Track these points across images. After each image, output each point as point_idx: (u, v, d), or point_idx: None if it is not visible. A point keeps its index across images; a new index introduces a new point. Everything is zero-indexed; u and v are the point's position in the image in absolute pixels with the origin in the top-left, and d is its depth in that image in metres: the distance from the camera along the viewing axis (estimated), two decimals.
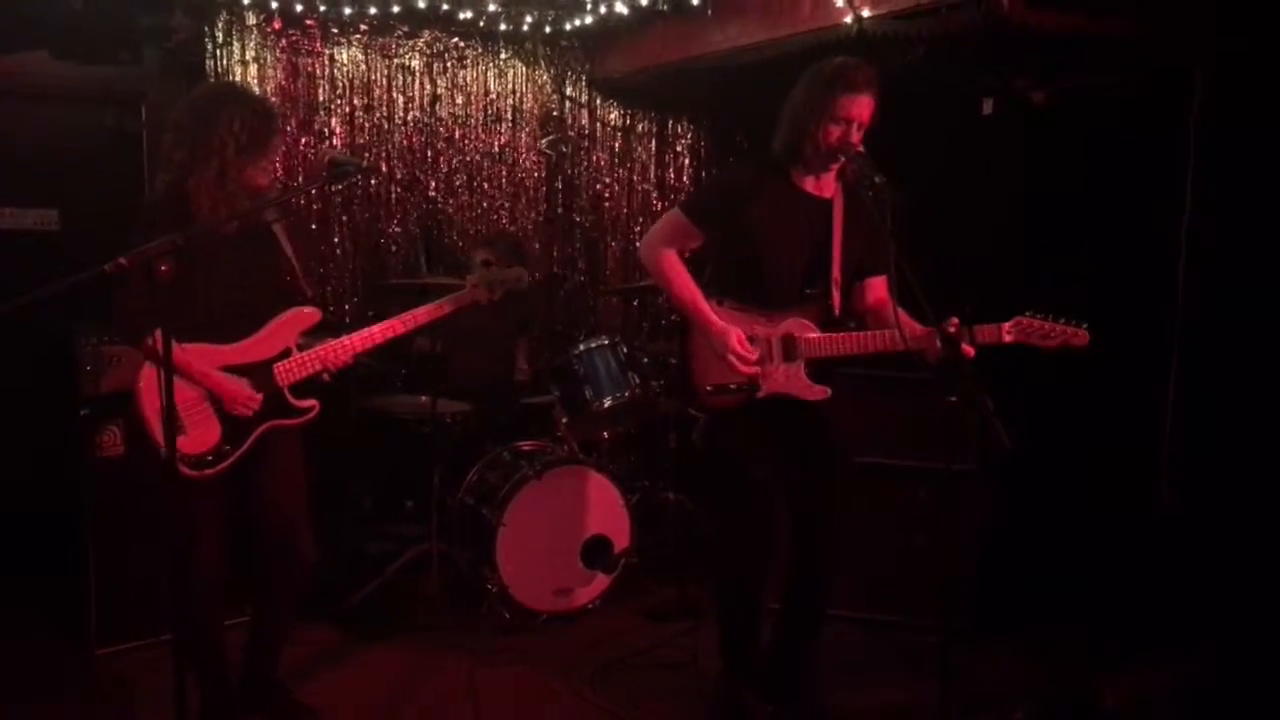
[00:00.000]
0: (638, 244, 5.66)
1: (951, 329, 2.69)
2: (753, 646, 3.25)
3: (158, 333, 2.62)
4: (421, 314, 3.08)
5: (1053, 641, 3.78)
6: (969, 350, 2.71)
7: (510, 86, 5.34)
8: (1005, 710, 3.18)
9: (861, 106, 2.87)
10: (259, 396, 2.89)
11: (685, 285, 3.07)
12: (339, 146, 4.93)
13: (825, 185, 3.04)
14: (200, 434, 2.84)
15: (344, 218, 5.03)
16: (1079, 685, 3.11)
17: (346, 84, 4.95)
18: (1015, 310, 2.88)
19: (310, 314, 3.00)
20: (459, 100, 5.23)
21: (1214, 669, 3.09)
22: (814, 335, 2.99)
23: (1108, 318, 2.91)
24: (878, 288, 3.14)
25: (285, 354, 2.95)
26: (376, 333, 3.02)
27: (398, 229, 5.15)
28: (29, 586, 4.03)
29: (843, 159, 2.91)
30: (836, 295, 3.01)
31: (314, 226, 4.95)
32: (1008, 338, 2.85)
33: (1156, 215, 3.83)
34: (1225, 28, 3.45)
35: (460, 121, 5.24)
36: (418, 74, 5.12)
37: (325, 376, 2.98)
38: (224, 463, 2.87)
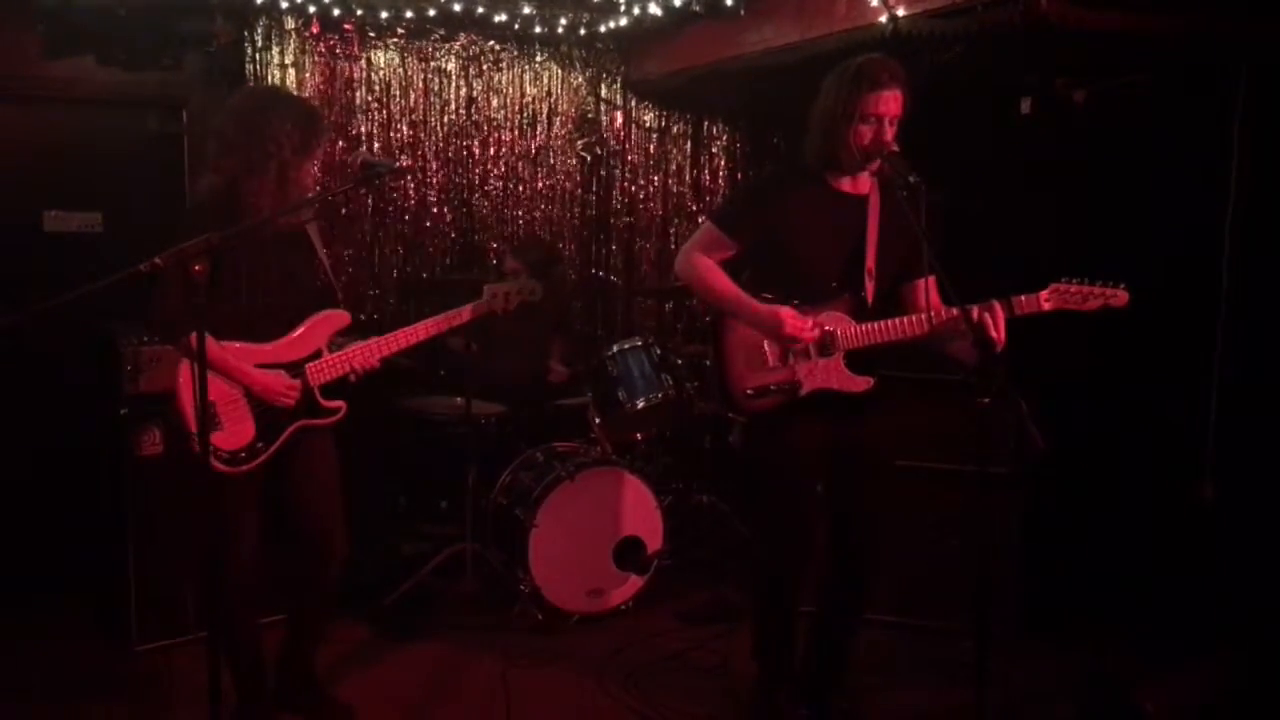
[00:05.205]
0: (673, 245, 5.69)
1: (984, 312, 2.68)
2: (788, 650, 3.24)
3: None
4: (441, 321, 3.13)
5: (1090, 645, 3.72)
6: (998, 333, 2.69)
7: (546, 89, 5.36)
8: (1042, 715, 3.13)
9: (889, 102, 2.82)
10: (297, 383, 2.93)
11: (722, 281, 3.03)
12: (376, 149, 4.98)
13: (861, 183, 3.01)
14: (236, 430, 2.89)
15: (381, 219, 5.08)
16: (1117, 691, 3.06)
17: (383, 87, 5.00)
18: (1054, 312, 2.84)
19: (341, 316, 3.05)
20: (495, 103, 5.26)
21: (1255, 676, 3.02)
22: (849, 326, 2.97)
23: (1150, 312, 2.86)
24: (926, 292, 3.03)
25: (316, 355, 2.99)
26: (401, 337, 3.06)
27: (434, 230, 5.19)
28: (69, 584, 4.10)
29: (879, 160, 2.88)
30: (870, 286, 2.98)
31: (351, 227, 5.00)
32: (1046, 305, 2.81)
33: (1198, 209, 3.75)
34: (1272, 14, 3.37)
35: (496, 124, 5.27)
36: (454, 77, 5.15)
37: (352, 378, 3.02)
38: (257, 459, 2.92)
